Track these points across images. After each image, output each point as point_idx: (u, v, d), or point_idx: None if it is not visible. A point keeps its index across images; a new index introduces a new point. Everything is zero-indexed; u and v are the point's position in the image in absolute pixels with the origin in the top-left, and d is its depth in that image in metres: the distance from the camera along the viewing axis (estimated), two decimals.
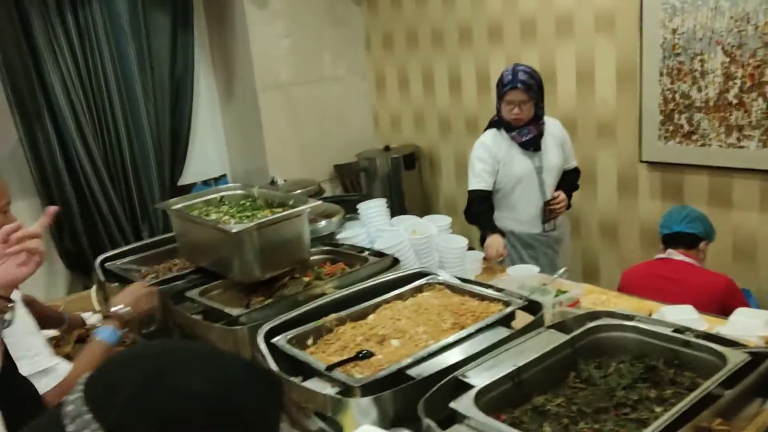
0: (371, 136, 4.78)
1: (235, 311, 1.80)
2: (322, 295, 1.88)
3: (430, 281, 1.92)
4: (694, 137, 3.16)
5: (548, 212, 2.90)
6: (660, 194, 3.37)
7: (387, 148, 4.37)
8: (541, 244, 2.96)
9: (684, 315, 2.02)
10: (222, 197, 2.39)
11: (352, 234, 2.41)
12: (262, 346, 1.56)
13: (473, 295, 1.81)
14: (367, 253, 2.23)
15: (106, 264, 2.34)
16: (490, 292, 1.80)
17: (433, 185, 4.48)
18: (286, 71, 4.24)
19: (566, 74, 3.54)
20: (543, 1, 3.54)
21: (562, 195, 2.91)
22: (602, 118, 3.47)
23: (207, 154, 4.48)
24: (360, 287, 1.85)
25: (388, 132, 4.69)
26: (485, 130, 2.98)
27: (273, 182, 3.19)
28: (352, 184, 4.49)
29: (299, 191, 3.05)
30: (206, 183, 4.41)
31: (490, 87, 3.89)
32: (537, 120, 2.85)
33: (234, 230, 1.90)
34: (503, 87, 2.78)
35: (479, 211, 2.84)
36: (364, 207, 2.52)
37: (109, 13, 3.73)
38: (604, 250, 3.67)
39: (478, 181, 2.87)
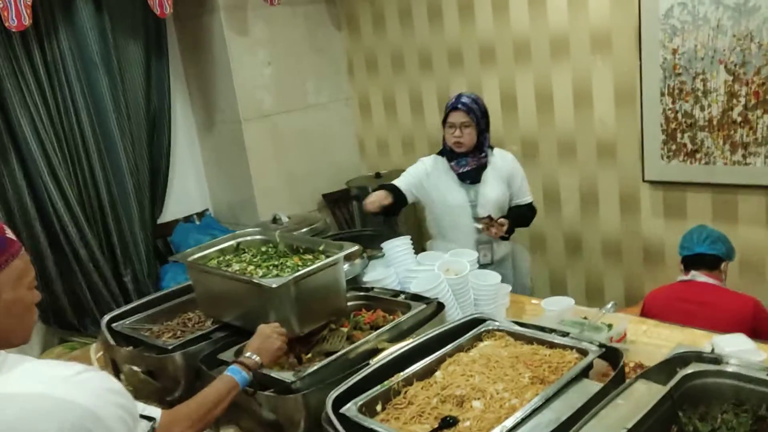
0: (357, 163, 4.64)
1: (285, 376, 1.63)
2: (375, 351, 1.73)
3: (489, 328, 1.79)
4: (698, 155, 3.15)
5: (483, 226, 2.73)
6: (663, 212, 3.35)
7: (378, 175, 4.24)
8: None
9: (741, 345, 1.96)
10: (239, 244, 2.22)
11: (380, 276, 2.27)
12: (335, 420, 1.40)
13: (542, 342, 1.69)
14: (403, 297, 2.09)
15: (113, 325, 2.12)
16: (558, 338, 1.68)
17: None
18: (269, 100, 4.07)
19: (563, 96, 3.50)
20: (536, 22, 3.50)
21: (502, 220, 2.76)
22: (602, 138, 3.43)
23: (187, 189, 4.25)
24: (419, 341, 1.71)
25: (376, 158, 4.57)
26: None
27: (275, 220, 3.01)
28: (342, 214, 4.34)
29: (306, 229, 2.89)
30: (188, 219, 4.19)
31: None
32: (478, 151, 2.79)
33: (274, 285, 1.74)
34: (446, 110, 2.79)
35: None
36: (389, 246, 2.38)
37: (78, 45, 3.49)
38: (607, 271, 3.63)
39: (397, 180, 2.87)
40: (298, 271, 1.89)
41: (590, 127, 3.45)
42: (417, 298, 2.05)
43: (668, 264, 3.35)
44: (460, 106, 2.71)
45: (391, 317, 1.99)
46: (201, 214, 4.26)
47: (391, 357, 1.64)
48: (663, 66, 3.08)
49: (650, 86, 3.13)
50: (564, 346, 1.65)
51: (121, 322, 2.13)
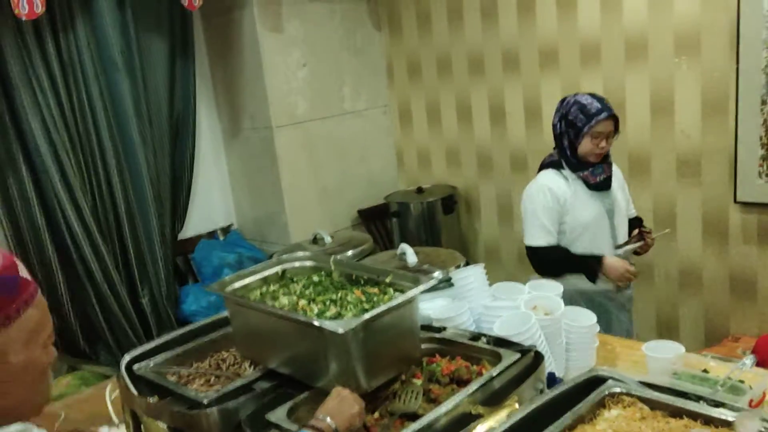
0: (395, 176, 4.27)
1: None
2: (470, 417, 1.34)
3: (613, 391, 1.38)
4: None
5: (636, 241, 2.45)
6: (756, 239, 2.92)
7: (420, 190, 3.86)
8: (614, 305, 2.49)
9: None
10: (284, 271, 1.83)
11: (451, 313, 1.87)
12: None
13: (692, 415, 1.28)
14: (485, 341, 1.69)
15: (134, 366, 1.74)
16: (707, 409, 1.28)
17: (471, 230, 3.97)
18: (303, 105, 3.71)
19: (638, 104, 3.10)
20: (608, 21, 3.11)
21: (645, 228, 2.52)
22: (683, 152, 3.03)
23: (210, 202, 3.89)
24: (530, 409, 1.30)
25: (415, 171, 4.19)
26: (539, 171, 2.53)
27: (316, 240, 2.63)
28: (379, 232, 3.96)
29: (351, 252, 2.50)
30: (212, 235, 3.82)
31: (542, 119, 3.45)
32: (607, 158, 2.46)
33: (341, 330, 1.35)
34: (591, 118, 2.34)
35: (561, 257, 2.42)
36: (460, 277, 1.98)
37: (97, 42, 3.14)
38: (684, 303, 3.20)
39: (541, 235, 2.42)
40: (365, 310, 1.50)
41: (670, 140, 3.05)
42: (503, 343, 1.65)
43: (761, 297, 2.93)
44: (611, 113, 2.33)
45: (476, 368, 1.59)
46: (226, 230, 3.89)
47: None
48: (766, 70, 2.68)
49: (749, 93, 2.72)
50: (718, 421, 1.24)
51: (143, 363, 1.75)
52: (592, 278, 2.39)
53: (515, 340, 1.67)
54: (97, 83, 3.14)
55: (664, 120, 3.05)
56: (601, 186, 2.44)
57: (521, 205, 2.53)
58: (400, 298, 1.49)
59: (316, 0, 3.73)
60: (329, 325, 1.37)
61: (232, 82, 3.72)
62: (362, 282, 1.71)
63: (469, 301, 1.94)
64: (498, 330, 1.75)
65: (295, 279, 1.78)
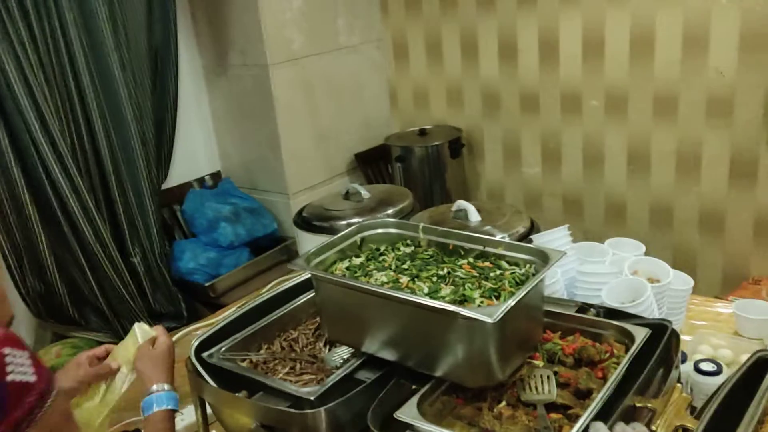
0: (387, 117, 4.00)
1: None
2: (633, 408, 1.19)
3: None
4: None
5: None
6: None
7: (422, 132, 3.63)
8: None
9: None
10: (363, 240, 1.60)
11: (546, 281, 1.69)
12: None
13: None
14: (594, 312, 1.53)
15: (203, 355, 1.49)
16: None
17: (473, 174, 3.79)
18: (299, 39, 3.35)
19: (667, 39, 2.94)
20: None
21: None
22: (715, 92, 2.90)
23: (192, 147, 3.53)
24: (714, 406, 1.16)
25: (411, 111, 3.93)
26: None
27: (348, 195, 2.37)
28: (376, 177, 3.72)
29: (391, 210, 2.26)
30: (202, 184, 3.49)
31: (559, 57, 3.25)
32: None
33: (490, 320, 1.15)
34: None
35: None
36: (545, 241, 1.80)
37: None
38: (703, 247, 3.16)
39: None
40: (494, 290, 1.31)
41: (700, 79, 2.92)
42: (619, 315, 1.50)
43: None
44: None
45: (603, 347, 1.43)
46: (216, 178, 3.56)
47: None
48: None
49: None
50: None
51: (214, 349, 1.50)
52: None
53: (630, 310, 1.53)
54: (72, 11, 2.69)
55: (696, 59, 2.90)
56: None
57: None
58: (538, 277, 1.30)
59: None
60: (478, 313, 1.17)
61: (216, 11, 3.31)
62: (461, 253, 1.51)
63: (558, 266, 1.77)
64: (607, 299, 1.60)
65: (383, 251, 1.56)
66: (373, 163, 3.75)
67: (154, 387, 1.37)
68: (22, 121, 2.54)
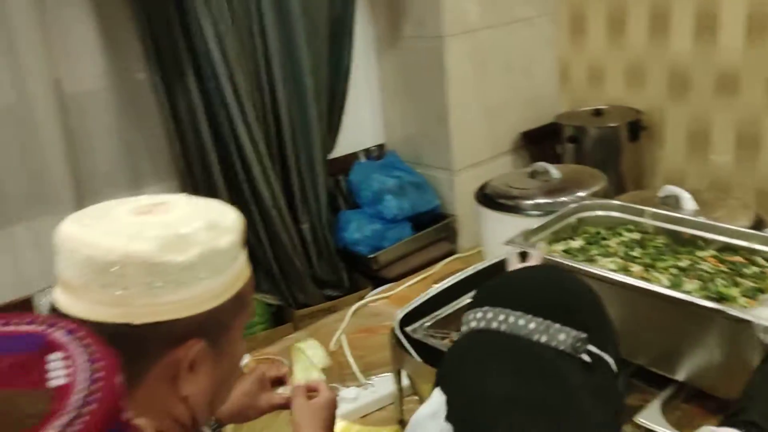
0: (554, 95, 3.80)
1: None
2: None
3: None
4: None
5: None
6: None
7: (598, 112, 3.40)
8: None
9: None
10: (579, 221, 1.49)
11: None
12: None
13: None
14: None
15: (407, 329, 1.46)
16: None
17: (649, 159, 3.52)
18: (475, 10, 3.24)
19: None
20: None
21: None
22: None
23: (359, 118, 3.53)
24: None
25: (583, 90, 3.70)
26: None
27: (534, 174, 2.25)
28: (543, 158, 3.54)
29: (584, 192, 2.11)
30: (368, 155, 3.50)
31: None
32: None
33: None
34: None
35: None
36: None
37: None
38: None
39: None
40: (757, 288, 1.15)
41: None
42: None
43: None
44: None
45: None
46: (381, 150, 3.56)
47: None
48: None
49: None
50: None
51: (417, 324, 1.46)
52: None
53: None
54: None
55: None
56: None
57: None
58: None
59: None
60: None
61: None
62: (698, 244, 1.35)
63: None
64: None
65: (606, 236, 1.43)
66: (539, 143, 3.58)
67: None
68: (216, 88, 2.63)
